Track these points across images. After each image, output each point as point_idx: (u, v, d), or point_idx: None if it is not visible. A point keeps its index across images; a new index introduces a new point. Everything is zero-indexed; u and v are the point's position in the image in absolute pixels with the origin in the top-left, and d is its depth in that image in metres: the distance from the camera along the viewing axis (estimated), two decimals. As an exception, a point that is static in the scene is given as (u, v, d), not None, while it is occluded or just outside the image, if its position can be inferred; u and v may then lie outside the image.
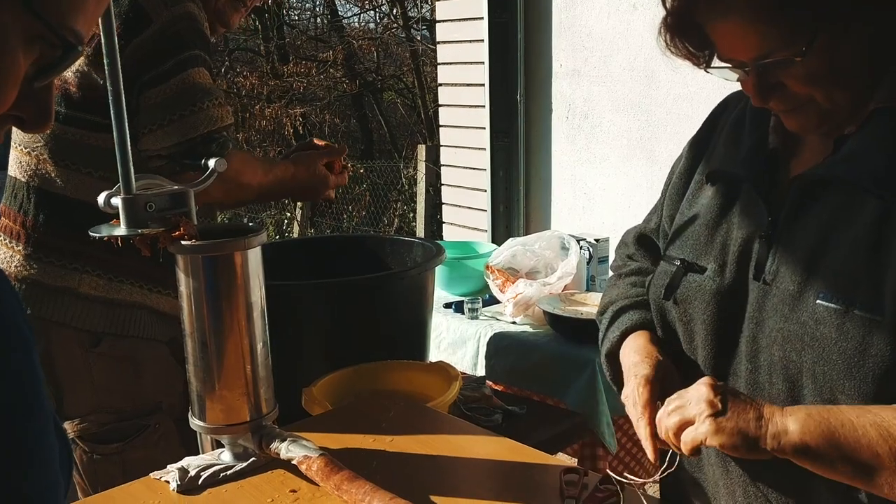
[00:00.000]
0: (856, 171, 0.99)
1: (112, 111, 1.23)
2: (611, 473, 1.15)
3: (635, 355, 1.18)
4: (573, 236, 2.97)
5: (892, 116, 0.99)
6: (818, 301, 0.98)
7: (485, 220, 3.90)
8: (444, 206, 4.29)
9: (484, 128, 3.80)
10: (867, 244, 0.97)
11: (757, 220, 1.09)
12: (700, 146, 1.26)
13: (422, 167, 7.17)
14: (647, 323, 1.24)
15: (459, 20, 3.93)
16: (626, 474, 1.10)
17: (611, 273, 1.44)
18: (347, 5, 11.65)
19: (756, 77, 1.01)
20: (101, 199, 1.29)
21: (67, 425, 1.78)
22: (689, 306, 1.15)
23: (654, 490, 2.26)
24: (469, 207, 4.05)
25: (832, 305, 0.97)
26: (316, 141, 2.14)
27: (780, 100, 1.03)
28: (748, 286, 1.08)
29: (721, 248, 1.13)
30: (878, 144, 0.99)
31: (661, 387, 1.11)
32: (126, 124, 1.24)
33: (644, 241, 1.37)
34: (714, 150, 1.22)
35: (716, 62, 1.05)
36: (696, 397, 0.99)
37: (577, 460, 2.55)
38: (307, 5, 13.28)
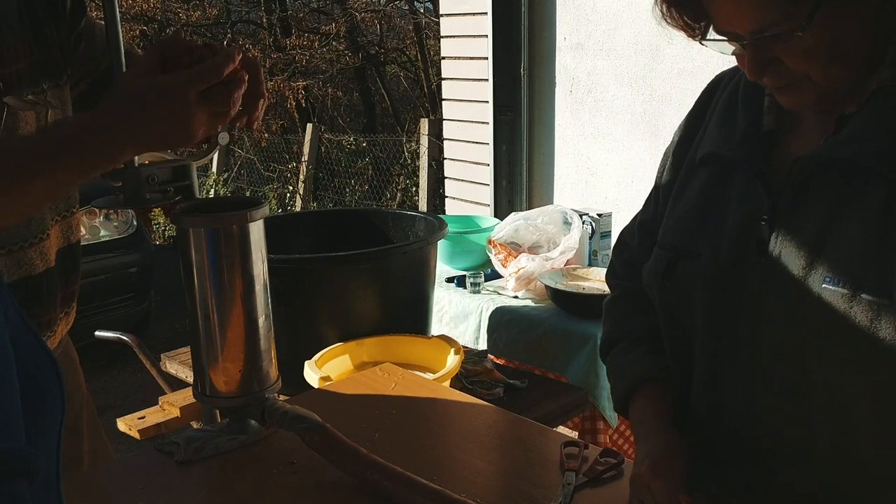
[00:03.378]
0: (859, 151, 0.97)
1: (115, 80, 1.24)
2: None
3: (643, 427, 1.16)
4: (576, 211, 2.97)
5: (894, 96, 0.97)
6: (824, 285, 0.97)
7: (487, 195, 3.89)
8: (446, 181, 4.28)
9: (487, 102, 3.78)
10: (873, 226, 0.95)
11: (756, 204, 1.07)
12: (691, 129, 1.23)
13: (424, 141, 7.15)
14: (650, 372, 1.21)
15: (463, -8, 3.90)
16: None
17: (609, 274, 1.40)
18: (350, -23, 11.54)
19: (752, 51, 0.98)
20: (103, 171, 1.29)
21: None
22: (685, 293, 1.13)
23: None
24: (472, 182, 4.04)
25: (839, 289, 0.95)
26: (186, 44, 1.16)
27: (776, 75, 1.00)
28: (747, 270, 1.06)
29: (715, 232, 1.10)
30: (881, 124, 0.97)
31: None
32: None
33: (646, 234, 1.32)
34: (706, 131, 1.19)
35: (711, 34, 1.02)
36: None
37: (577, 434, 2.56)
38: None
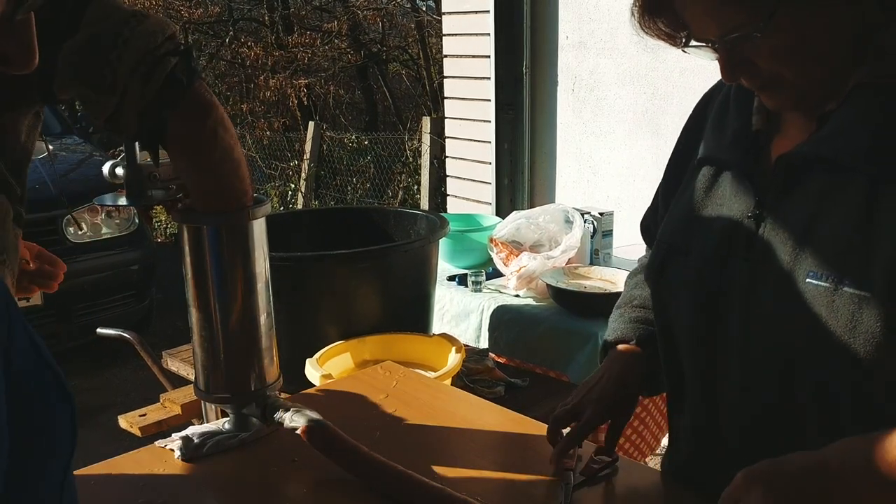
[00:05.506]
0: (840, 147, 0.98)
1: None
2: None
3: (610, 364, 1.31)
4: (577, 210, 2.96)
5: (874, 93, 0.98)
6: (808, 280, 0.98)
7: (489, 193, 3.89)
8: (448, 179, 4.28)
9: (489, 100, 3.78)
10: (854, 220, 0.96)
11: (744, 202, 1.09)
12: (691, 135, 1.25)
13: (426, 139, 7.14)
14: (639, 336, 1.30)
15: (465, -9, 3.90)
16: None
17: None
18: (352, -25, 11.53)
19: (723, 54, 1.01)
20: (105, 168, 1.29)
21: None
22: (676, 289, 1.15)
23: (654, 462, 2.28)
24: (473, 180, 4.04)
25: (821, 284, 0.97)
26: None
27: (750, 77, 1.02)
28: (736, 267, 1.08)
29: (707, 229, 1.12)
30: (860, 121, 0.98)
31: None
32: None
33: (646, 236, 1.38)
34: (703, 136, 1.21)
35: (693, 42, 1.04)
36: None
37: (578, 432, 2.56)
38: (312, -25, 13.15)
